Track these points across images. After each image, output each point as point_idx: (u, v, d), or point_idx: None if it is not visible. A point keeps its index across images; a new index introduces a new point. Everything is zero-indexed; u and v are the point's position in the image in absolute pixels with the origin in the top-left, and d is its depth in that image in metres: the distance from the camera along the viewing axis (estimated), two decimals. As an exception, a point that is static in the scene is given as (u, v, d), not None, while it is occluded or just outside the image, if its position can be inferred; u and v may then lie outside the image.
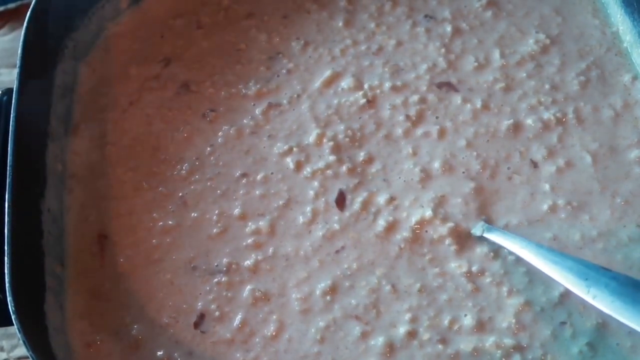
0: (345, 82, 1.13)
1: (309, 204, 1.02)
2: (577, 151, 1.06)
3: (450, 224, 0.99)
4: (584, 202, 1.02)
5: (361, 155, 1.06)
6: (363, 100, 1.10)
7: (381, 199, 1.02)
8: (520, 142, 1.07)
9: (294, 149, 1.07)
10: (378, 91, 1.12)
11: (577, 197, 1.02)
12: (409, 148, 1.06)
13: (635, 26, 1.14)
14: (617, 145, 1.07)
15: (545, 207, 1.01)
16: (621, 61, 1.15)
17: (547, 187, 1.03)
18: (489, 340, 0.91)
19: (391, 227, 1.00)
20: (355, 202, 1.02)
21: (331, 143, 1.07)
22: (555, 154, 1.06)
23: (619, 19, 1.17)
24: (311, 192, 1.03)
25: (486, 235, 0.97)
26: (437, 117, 1.09)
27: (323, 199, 1.02)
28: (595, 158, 1.05)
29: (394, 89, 1.12)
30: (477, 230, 0.99)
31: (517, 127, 1.08)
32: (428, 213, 1.00)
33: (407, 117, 1.09)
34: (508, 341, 0.91)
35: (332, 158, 1.05)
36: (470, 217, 1.00)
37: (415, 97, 1.11)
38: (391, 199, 1.02)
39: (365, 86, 1.12)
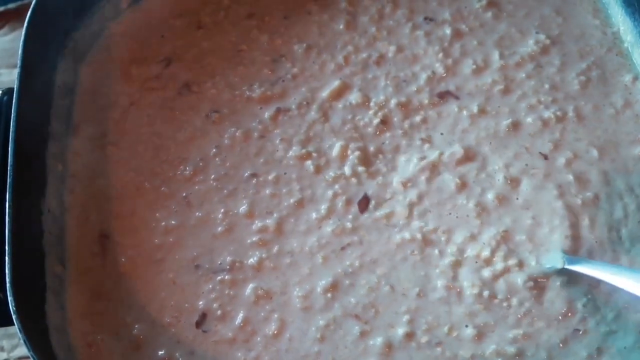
0: (353, 97, 1.12)
1: (325, 202, 1.02)
2: (583, 145, 1.07)
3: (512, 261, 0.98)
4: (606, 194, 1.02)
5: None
6: (377, 120, 1.10)
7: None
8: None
9: (313, 154, 1.06)
10: (386, 110, 1.11)
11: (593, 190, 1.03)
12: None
13: (636, 26, 1.14)
14: (620, 141, 1.07)
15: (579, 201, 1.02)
16: (622, 61, 1.15)
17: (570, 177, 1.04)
18: (490, 348, 0.91)
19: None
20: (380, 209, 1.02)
21: (357, 153, 1.06)
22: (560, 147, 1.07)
23: (620, 19, 1.18)
24: (329, 193, 1.03)
25: (569, 267, 0.94)
26: (441, 134, 1.09)
27: (343, 198, 1.03)
28: (601, 152, 1.06)
29: (400, 105, 1.11)
30: (555, 262, 0.96)
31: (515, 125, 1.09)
32: (485, 253, 0.98)
33: (422, 140, 1.09)
34: (510, 349, 0.91)
35: (360, 169, 1.05)
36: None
37: (420, 113, 1.10)
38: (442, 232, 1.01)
39: (372, 103, 1.11)
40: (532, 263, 0.97)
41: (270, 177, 1.04)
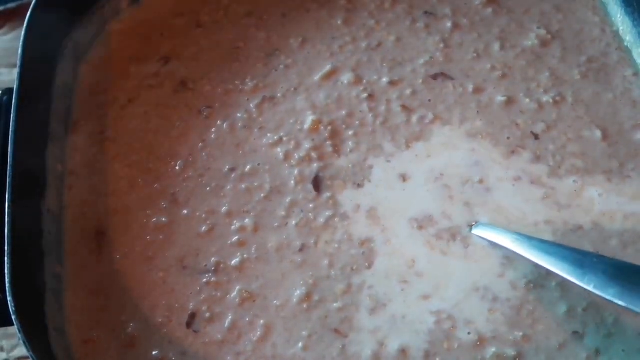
0: (345, 77, 1.13)
1: (290, 194, 1.03)
2: (586, 122, 1.08)
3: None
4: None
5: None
6: (364, 95, 1.11)
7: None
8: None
9: (284, 139, 1.07)
10: (376, 86, 1.11)
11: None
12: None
13: (636, 26, 1.14)
14: (622, 123, 1.08)
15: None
16: (622, 55, 1.15)
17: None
18: (490, 352, 0.91)
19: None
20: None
21: (330, 127, 1.07)
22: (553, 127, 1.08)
23: (619, 19, 1.17)
24: (292, 182, 1.03)
25: (475, 232, 0.97)
26: (429, 100, 1.10)
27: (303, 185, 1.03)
28: (605, 134, 1.06)
29: (391, 83, 1.12)
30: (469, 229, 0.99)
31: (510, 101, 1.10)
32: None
33: (402, 107, 1.10)
34: (510, 352, 0.91)
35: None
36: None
37: (410, 90, 1.11)
38: None
39: (364, 81, 1.12)
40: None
41: (246, 170, 1.05)
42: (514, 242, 0.92)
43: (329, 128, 1.07)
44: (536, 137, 1.06)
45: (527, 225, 0.99)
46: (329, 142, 1.06)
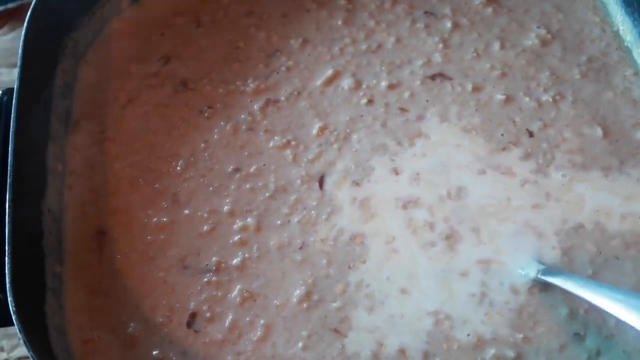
0: (346, 82, 1.13)
1: (295, 193, 1.03)
2: (587, 120, 1.08)
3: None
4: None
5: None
6: (364, 101, 1.11)
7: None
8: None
9: (292, 142, 1.07)
10: (375, 91, 1.12)
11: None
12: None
13: (636, 26, 1.14)
14: (623, 122, 1.08)
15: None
16: (623, 55, 1.15)
17: None
18: (489, 354, 0.91)
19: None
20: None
21: (335, 133, 1.07)
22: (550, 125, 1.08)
23: (619, 19, 1.17)
24: (299, 182, 1.04)
25: (543, 277, 0.93)
26: (427, 100, 1.10)
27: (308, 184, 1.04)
28: (606, 131, 1.07)
29: (390, 86, 1.12)
30: (529, 271, 0.95)
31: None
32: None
33: (401, 109, 1.10)
34: (510, 353, 0.91)
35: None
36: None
37: (408, 93, 1.11)
38: None
39: (364, 86, 1.12)
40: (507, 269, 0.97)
41: (251, 170, 1.05)
42: (582, 288, 0.88)
43: (335, 133, 1.08)
44: (531, 134, 1.06)
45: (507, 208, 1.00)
46: (335, 146, 1.06)
